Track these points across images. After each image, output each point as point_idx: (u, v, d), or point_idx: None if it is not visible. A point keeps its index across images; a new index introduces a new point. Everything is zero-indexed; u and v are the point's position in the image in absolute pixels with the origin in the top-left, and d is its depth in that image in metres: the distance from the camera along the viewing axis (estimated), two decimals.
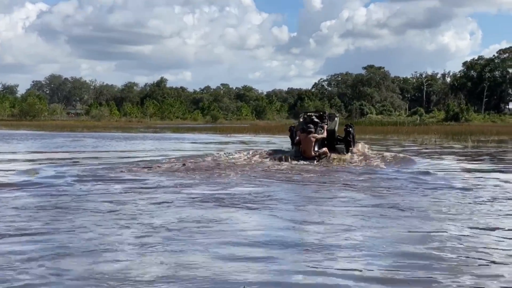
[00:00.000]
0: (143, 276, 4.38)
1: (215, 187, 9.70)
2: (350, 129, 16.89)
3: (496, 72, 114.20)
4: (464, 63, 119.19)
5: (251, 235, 5.81)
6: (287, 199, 8.45)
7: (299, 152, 15.41)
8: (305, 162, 14.58)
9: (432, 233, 5.93)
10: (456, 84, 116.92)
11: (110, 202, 7.91)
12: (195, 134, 40.22)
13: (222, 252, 5.09)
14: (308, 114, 16.99)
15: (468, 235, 5.83)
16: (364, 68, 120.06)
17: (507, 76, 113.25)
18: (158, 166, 13.15)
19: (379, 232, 5.99)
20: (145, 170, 12.45)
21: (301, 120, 16.96)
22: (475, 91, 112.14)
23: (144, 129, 50.42)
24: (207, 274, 4.41)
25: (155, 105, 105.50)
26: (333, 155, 15.44)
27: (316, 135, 15.38)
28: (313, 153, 15.11)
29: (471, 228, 6.20)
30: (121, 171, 12.11)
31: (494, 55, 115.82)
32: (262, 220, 6.81)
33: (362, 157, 15.93)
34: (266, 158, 15.74)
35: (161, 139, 32.39)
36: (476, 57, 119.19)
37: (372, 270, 4.55)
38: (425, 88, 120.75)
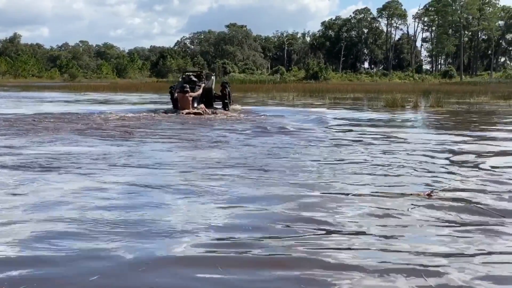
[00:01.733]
0: None
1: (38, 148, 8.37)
2: (226, 86, 17.85)
3: (353, 32, 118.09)
4: (323, 23, 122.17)
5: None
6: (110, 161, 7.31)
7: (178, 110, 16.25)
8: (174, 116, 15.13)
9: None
10: (316, 44, 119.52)
11: None
12: (45, 93, 37.50)
13: None
14: (187, 74, 18.18)
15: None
16: (227, 26, 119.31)
17: (363, 36, 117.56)
18: None
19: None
20: None
21: (180, 80, 18.21)
22: (333, 51, 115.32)
23: None
24: None
25: (8, 62, 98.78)
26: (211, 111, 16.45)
27: (192, 93, 16.46)
28: (191, 109, 16.03)
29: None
30: None
31: (350, 16, 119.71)
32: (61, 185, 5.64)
33: (237, 113, 16.59)
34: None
35: (4, 97, 29.65)
36: (334, 17, 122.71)
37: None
38: (286, 47, 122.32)
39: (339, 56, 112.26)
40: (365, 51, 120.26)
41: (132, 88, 43.76)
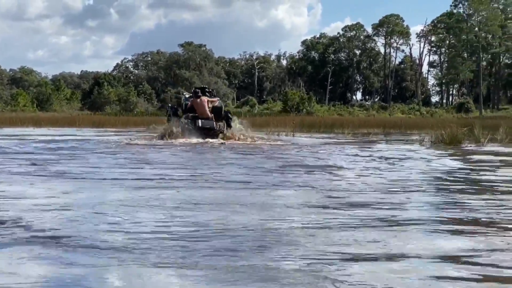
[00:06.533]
0: None
1: None
2: (229, 114, 21.31)
3: (342, 54, 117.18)
4: (304, 42, 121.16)
5: None
6: None
7: (193, 118, 19.50)
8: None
9: None
10: (295, 68, 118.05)
11: None
12: None
13: None
14: (200, 88, 21.71)
15: None
16: (181, 45, 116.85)
17: (354, 59, 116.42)
18: None
19: None
20: None
21: (186, 95, 21.75)
22: (317, 77, 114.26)
23: None
24: None
25: None
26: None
27: (208, 98, 20.02)
28: (209, 114, 19.53)
29: None
30: None
31: (339, 33, 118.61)
32: None
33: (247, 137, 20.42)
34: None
35: None
36: (318, 35, 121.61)
37: None
38: (257, 73, 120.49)
39: (325, 84, 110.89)
40: (358, 77, 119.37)
41: (62, 122, 40.68)
